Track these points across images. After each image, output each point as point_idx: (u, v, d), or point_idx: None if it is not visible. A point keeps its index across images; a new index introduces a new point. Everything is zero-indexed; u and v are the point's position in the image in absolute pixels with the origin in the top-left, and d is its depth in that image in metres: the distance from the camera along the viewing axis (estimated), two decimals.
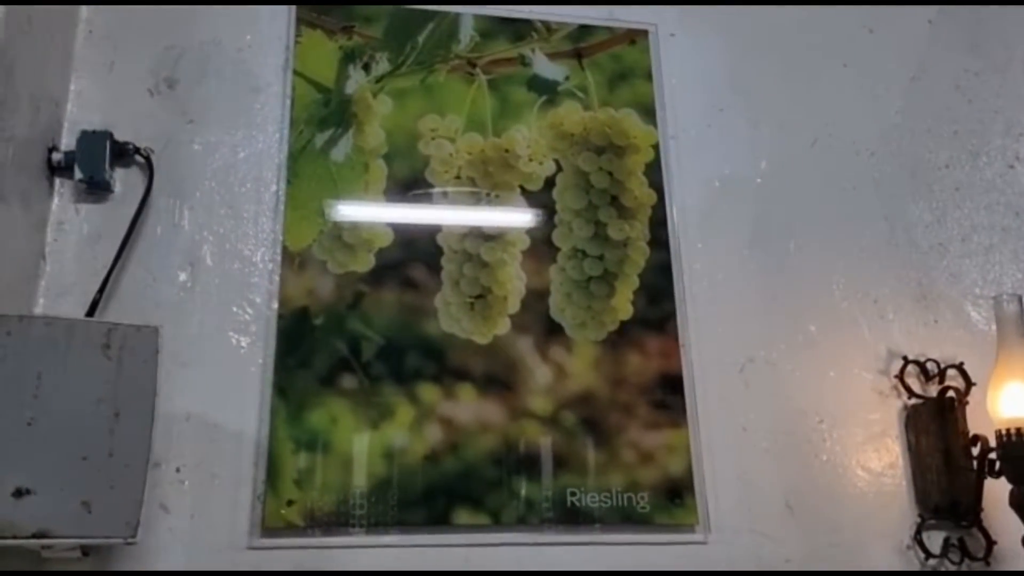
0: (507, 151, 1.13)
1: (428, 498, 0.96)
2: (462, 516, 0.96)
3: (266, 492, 0.93)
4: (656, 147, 1.17)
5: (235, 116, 1.08)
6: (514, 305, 1.06)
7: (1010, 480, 0.95)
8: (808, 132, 1.24)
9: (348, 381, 0.98)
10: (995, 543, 1.03)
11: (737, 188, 1.19)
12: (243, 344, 0.99)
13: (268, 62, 1.11)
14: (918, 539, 1.02)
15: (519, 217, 1.10)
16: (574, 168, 1.14)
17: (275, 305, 1.00)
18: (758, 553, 1.00)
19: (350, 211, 1.06)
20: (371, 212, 1.07)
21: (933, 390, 1.10)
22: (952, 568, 1.03)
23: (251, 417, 0.96)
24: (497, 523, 0.96)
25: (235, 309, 1.00)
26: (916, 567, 1.02)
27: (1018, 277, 1.21)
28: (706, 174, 1.19)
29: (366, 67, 1.13)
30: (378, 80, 1.12)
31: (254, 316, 1.00)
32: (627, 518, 0.99)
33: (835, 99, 1.27)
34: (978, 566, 1.03)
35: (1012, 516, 1.00)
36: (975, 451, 1.01)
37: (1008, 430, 0.95)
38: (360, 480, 0.95)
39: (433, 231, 1.08)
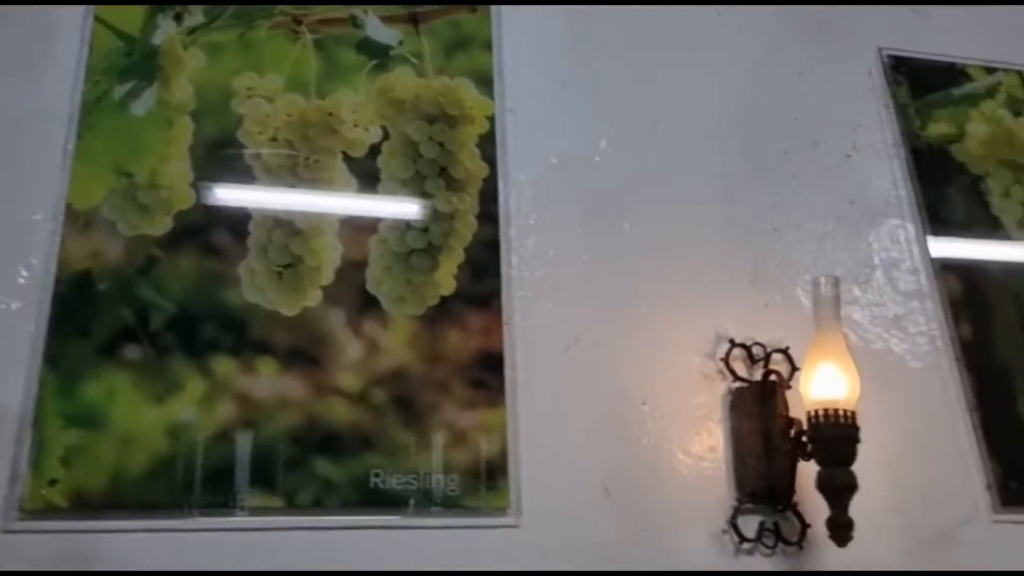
0: (331, 115, 1.07)
1: (215, 478, 0.89)
2: (253, 498, 0.89)
3: (28, 471, 0.84)
4: (492, 119, 1.14)
5: (25, 61, 0.99)
6: (327, 276, 1.01)
7: (818, 462, 0.95)
8: (651, 112, 1.23)
9: (132, 352, 0.91)
10: (809, 527, 1.03)
11: (574, 165, 1.17)
12: (14, 309, 0.90)
13: (66, 6, 1.02)
14: (733, 523, 1.01)
15: (339, 184, 1.05)
16: (402, 136, 1.09)
17: (53, 267, 0.91)
18: (570, 537, 0.98)
19: (148, 169, 0.98)
20: (172, 171, 0.99)
21: (758, 374, 1.10)
22: (767, 552, 1.02)
23: (16, 389, 0.87)
24: (291, 506, 0.90)
25: (9, 271, 0.91)
26: (730, 552, 1.01)
27: (849, 265, 1.22)
28: (543, 150, 1.16)
29: (177, 17, 1.06)
30: (190, 32, 1.06)
31: (29, 279, 0.92)
32: (435, 501, 0.94)
33: (679, 81, 1.27)
34: (792, 550, 1.03)
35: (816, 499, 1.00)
36: (791, 434, 1.00)
37: (818, 411, 0.95)
38: (139, 459, 0.87)
39: (242, 195, 1.01)
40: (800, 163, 1.27)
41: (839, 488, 0.92)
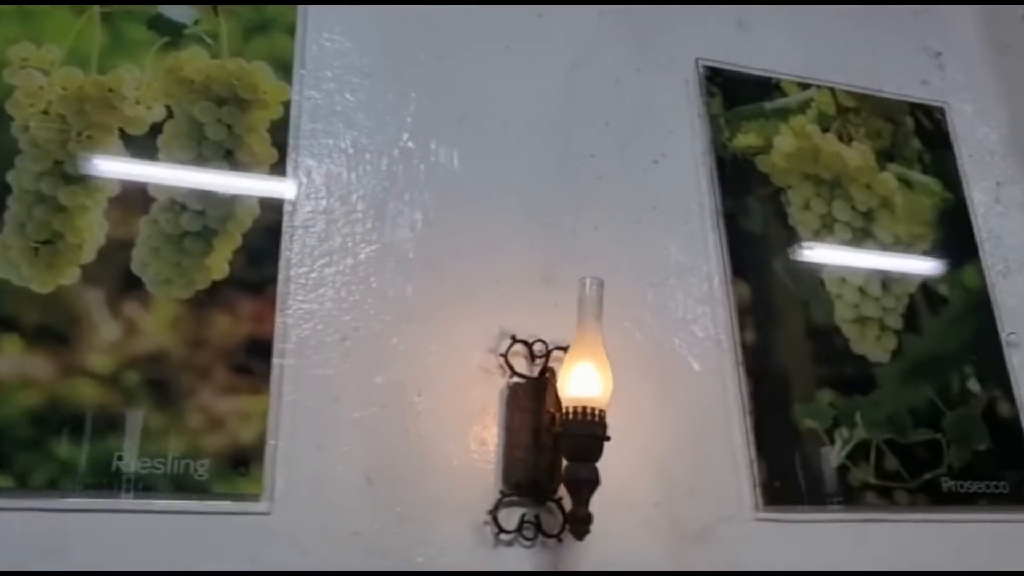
0: (111, 91, 1.06)
1: None
2: None
3: None
4: (287, 105, 1.13)
5: None
6: (89, 254, 0.99)
7: (566, 457, 0.98)
8: (458, 108, 1.24)
9: None
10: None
11: (371, 157, 1.18)
12: None
13: None
14: (494, 515, 1.04)
15: (111, 162, 1.03)
16: (188, 117, 1.08)
17: None
18: (325, 525, 0.99)
19: None
20: None
21: (538, 370, 1.13)
22: (526, 544, 1.05)
23: None
24: (23, 487, 0.89)
25: None
26: (490, 543, 1.04)
27: (645, 268, 1.26)
28: (338, 139, 1.17)
29: None
30: None
31: None
32: (181, 486, 0.94)
33: (492, 79, 1.28)
34: (552, 543, 1.06)
35: None
36: (553, 430, 1.03)
37: (572, 408, 0.98)
38: None
39: (4, 167, 0.99)
40: (606, 167, 1.30)
41: (580, 483, 0.96)
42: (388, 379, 1.08)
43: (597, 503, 1.06)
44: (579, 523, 0.95)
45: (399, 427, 1.06)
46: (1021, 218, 1.55)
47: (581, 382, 0.99)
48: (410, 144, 1.20)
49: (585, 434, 0.97)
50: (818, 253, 1.35)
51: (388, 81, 1.22)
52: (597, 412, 0.98)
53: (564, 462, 1.00)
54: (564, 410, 0.99)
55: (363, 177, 1.16)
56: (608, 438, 1.00)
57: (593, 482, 0.96)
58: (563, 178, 1.27)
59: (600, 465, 1.04)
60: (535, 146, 1.27)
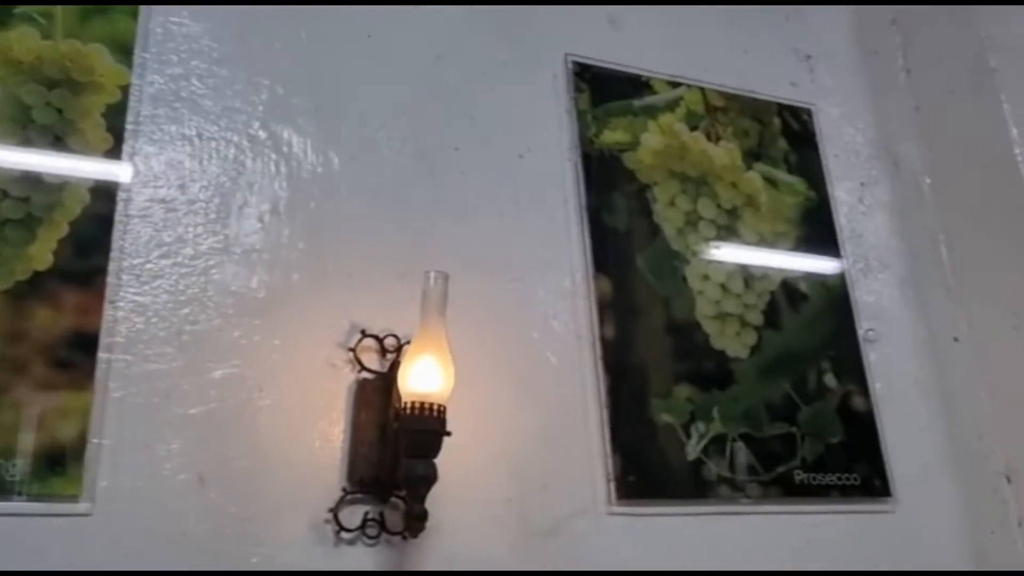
0: None
1: None
2: None
3: None
4: (126, 89, 1.09)
5: None
6: None
7: (404, 453, 0.96)
8: (313, 97, 1.22)
9: None
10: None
11: (219, 145, 1.14)
12: None
13: None
14: (335, 513, 1.02)
15: None
16: (14, 99, 1.03)
17: None
18: (151, 526, 0.96)
19: None
20: None
21: (388, 365, 1.11)
22: (369, 543, 1.03)
23: None
24: None
25: None
26: (330, 542, 1.01)
27: (507, 263, 1.25)
28: (183, 125, 1.13)
29: None
30: None
31: None
32: None
33: (351, 67, 1.26)
34: (396, 540, 1.04)
35: (435, 488, 1.02)
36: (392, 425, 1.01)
37: (410, 403, 0.97)
38: None
39: None
40: (470, 160, 1.29)
41: (416, 479, 0.94)
42: (227, 374, 1.04)
43: (446, 500, 1.05)
44: (414, 520, 0.94)
45: (238, 424, 1.03)
46: (883, 218, 1.60)
47: (421, 377, 0.98)
48: (260, 133, 1.17)
49: (423, 430, 0.95)
50: (682, 250, 1.37)
51: (239, 67, 1.18)
52: (436, 407, 0.97)
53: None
54: (403, 405, 0.97)
55: (208, 166, 1.12)
56: (448, 433, 0.99)
57: (430, 478, 0.95)
58: (424, 171, 1.26)
59: (450, 461, 1.04)
60: (395, 138, 1.25)
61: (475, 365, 1.17)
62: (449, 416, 1.07)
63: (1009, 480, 1.47)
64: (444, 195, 1.26)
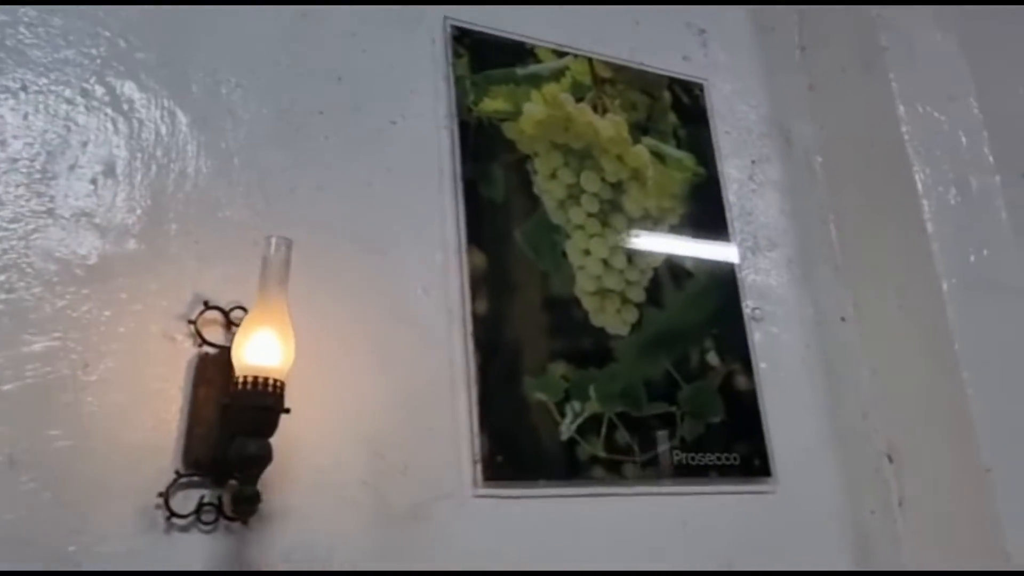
0: None
1: None
2: None
3: None
4: None
5: None
6: None
7: (235, 431, 0.89)
8: (161, 51, 1.14)
9: None
10: (260, 501, 0.98)
11: (49, 100, 1.05)
12: None
13: None
14: (165, 498, 0.94)
15: None
16: None
17: None
18: None
19: None
20: None
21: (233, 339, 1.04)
22: (206, 529, 0.96)
23: None
24: None
25: None
26: (161, 528, 0.94)
27: (375, 233, 1.19)
28: (5, 77, 1.03)
29: None
30: None
31: None
32: None
33: (204, 21, 1.19)
34: (236, 527, 0.97)
35: (282, 472, 0.96)
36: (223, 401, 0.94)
37: (244, 378, 0.90)
38: None
39: None
40: (336, 125, 1.23)
41: (247, 460, 0.88)
42: (48, 348, 0.96)
43: (296, 483, 1.00)
44: (243, 503, 0.87)
45: (58, 402, 0.95)
46: (773, 197, 1.59)
47: (257, 350, 0.91)
48: (97, 88, 1.08)
49: (256, 406, 0.89)
50: (562, 224, 1.32)
51: (76, 16, 1.10)
52: (274, 383, 0.90)
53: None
54: (237, 381, 0.90)
55: (33, 121, 1.03)
56: (286, 411, 0.92)
57: (263, 459, 0.89)
58: (284, 135, 1.19)
59: (302, 442, 1.00)
60: (252, 99, 1.18)
61: (335, 340, 1.11)
62: (304, 394, 1.01)
63: (891, 460, 1.47)
64: (305, 161, 1.19)
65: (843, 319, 1.55)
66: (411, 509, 1.08)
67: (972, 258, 1.48)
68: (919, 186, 1.49)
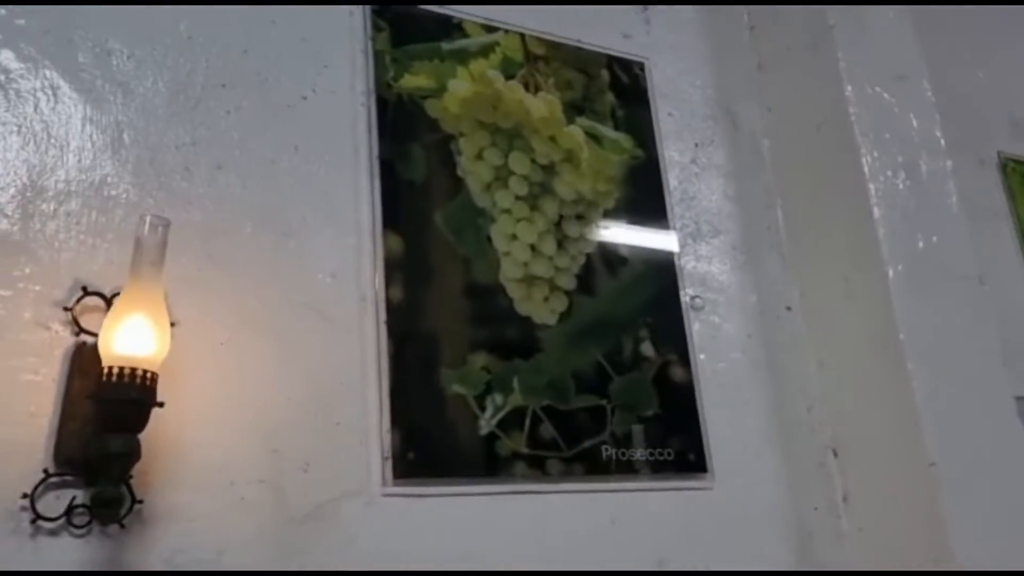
0: None
1: None
2: None
3: None
4: None
5: None
6: None
7: (100, 426, 0.82)
8: (41, 19, 1.06)
9: None
10: (140, 502, 0.91)
11: None
12: None
13: None
14: (31, 499, 0.87)
15: None
16: None
17: None
18: None
19: None
20: None
21: None
22: (78, 533, 0.88)
23: None
24: None
25: None
26: (26, 533, 0.87)
27: (280, 215, 1.12)
28: None
29: None
30: None
31: None
32: None
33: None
34: (114, 530, 0.90)
35: (166, 470, 0.89)
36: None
37: (111, 368, 0.82)
38: None
39: None
40: (239, 100, 1.16)
41: (109, 457, 0.81)
42: None
43: (183, 482, 0.93)
44: (104, 506, 0.80)
45: None
46: (717, 181, 1.53)
47: (126, 339, 0.84)
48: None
49: (122, 399, 0.82)
50: (487, 207, 1.26)
51: None
52: (144, 374, 0.83)
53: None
54: (102, 371, 0.83)
55: None
56: (160, 404, 0.85)
57: (129, 456, 0.82)
58: (180, 109, 1.11)
59: (191, 438, 0.94)
60: (147, 70, 1.11)
61: (232, 330, 1.04)
62: (195, 387, 0.96)
63: (836, 454, 1.42)
64: (203, 137, 1.11)
65: (788, 308, 1.50)
66: (312, 509, 1.02)
67: (921, 244, 1.44)
68: (866, 169, 1.44)
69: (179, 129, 1.10)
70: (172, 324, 0.94)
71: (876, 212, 1.41)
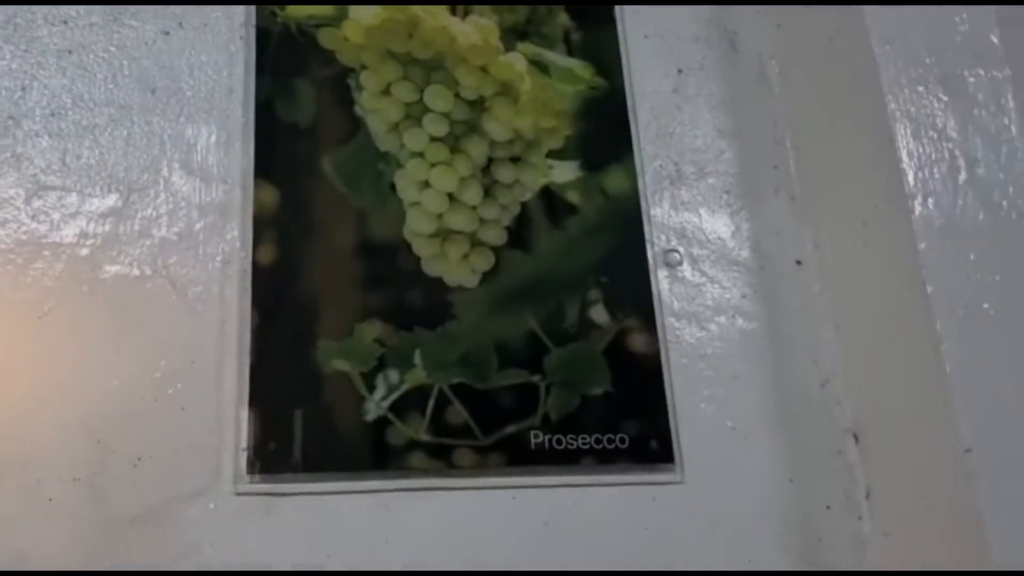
0: None
1: None
2: None
3: None
4: None
5: None
6: None
7: None
8: None
9: None
10: None
11: None
12: None
13: None
14: None
15: None
16: None
17: None
18: None
19: None
20: None
21: None
22: None
23: None
24: None
25: None
26: None
27: (129, 167, 0.97)
28: None
29: None
30: None
31: None
32: None
33: None
34: None
35: None
36: None
37: None
38: None
39: None
40: (84, 38, 1.02)
41: None
42: None
43: None
44: None
45: None
46: (707, 114, 1.29)
47: None
48: None
49: None
50: (393, 151, 1.07)
51: None
52: None
53: None
54: None
55: None
56: None
57: None
58: (10, 50, 0.97)
59: None
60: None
61: (57, 297, 0.89)
62: (6, 369, 0.81)
63: (857, 439, 1.16)
64: (35, 84, 0.97)
65: (799, 262, 1.23)
66: (141, 512, 0.86)
67: (963, 176, 1.15)
68: (883, 84, 1.16)
69: (5, 75, 0.95)
70: None
71: (899, 134, 1.14)
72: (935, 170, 1.12)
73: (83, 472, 0.85)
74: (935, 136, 1.14)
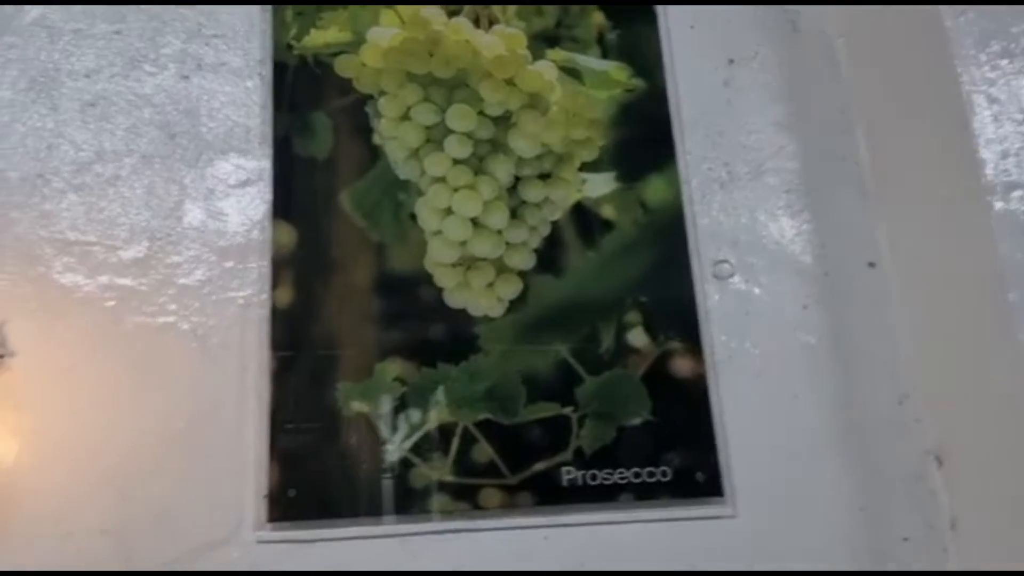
0: None
1: None
2: None
3: None
4: None
5: None
6: None
7: None
8: None
9: None
10: None
11: None
12: None
13: None
14: None
15: None
16: None
17: None
18: None
19: None
20: None
21: None
22: None
23: None
24: None
25: None
26: None
27: (150, 219, 1.02)
28: None
29: None
30: None
31: None
32: None
33: None
34: None
35: None
36: None
37: None
38: None
39: None
40: (103, 88, 1.06)
41: None
42: None
43: (9, 536, 0.86)
44: None
45: None
46: (764, 106, 1.22)
47: None
48: None
49: None
50: (414, 178, 1.07)
51: None
52: None
53: None
54: None
55: None
56: None
57: None
58: (29, 103, 1.03)
59: (16, 486, 0.84)
60: None
61: (80, 354, 0.94)
62: (34, 424, 0.88)
63: (940, 462, 1.08)
64: (60, 141, 1.03)
65: (872, 265, 1.15)
66: (167, 563, 0.90)
67: None
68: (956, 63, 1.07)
69: (32, 131, 1.01)
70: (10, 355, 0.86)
71: (974, 116, 1.04)
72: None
73: (110, 524, 0.90)
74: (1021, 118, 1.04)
